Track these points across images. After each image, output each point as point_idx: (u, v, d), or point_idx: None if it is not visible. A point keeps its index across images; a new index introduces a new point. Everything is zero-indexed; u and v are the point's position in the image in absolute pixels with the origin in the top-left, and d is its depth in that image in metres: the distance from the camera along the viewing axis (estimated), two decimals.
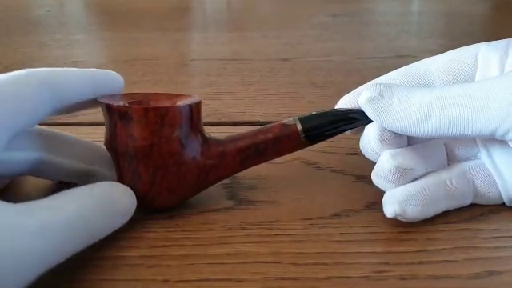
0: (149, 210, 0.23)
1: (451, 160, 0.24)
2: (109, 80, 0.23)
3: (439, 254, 0.21)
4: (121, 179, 0.22)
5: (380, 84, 0.22)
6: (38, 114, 0.20)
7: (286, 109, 0.35)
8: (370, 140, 0.22)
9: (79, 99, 0.22)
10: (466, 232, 0.22)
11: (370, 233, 0.22)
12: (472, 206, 0.23)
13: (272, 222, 0.23)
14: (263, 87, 0.40)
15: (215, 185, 0.23)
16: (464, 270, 0.20)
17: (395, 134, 0.22)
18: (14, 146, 0.21)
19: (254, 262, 0.20)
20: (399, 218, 0.22)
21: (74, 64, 0.43)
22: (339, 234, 0.22)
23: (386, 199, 0.22)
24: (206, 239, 0.22)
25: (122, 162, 0.22)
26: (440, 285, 0.19)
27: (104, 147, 0.22)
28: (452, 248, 0.21)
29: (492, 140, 0.22)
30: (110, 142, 0.22)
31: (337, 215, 0.23)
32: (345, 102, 0.24)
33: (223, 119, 0.34)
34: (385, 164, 0.22)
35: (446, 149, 0.24)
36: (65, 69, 0.22)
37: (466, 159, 0.24)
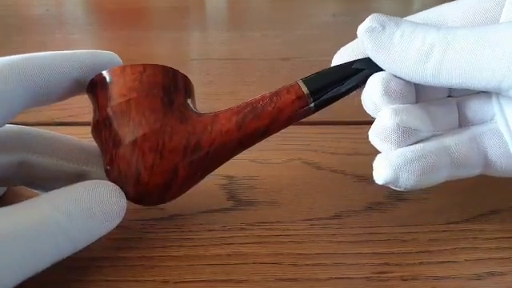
0: (136, 190, 0.20)
1: (462, 123, 0.21)
2: (102, 61, 0.21)
3: (440, 254, 0.21)
4: (105, 156, 0.20)
5: (384, 15, 0.19)
6: (10, 110, 0.18)
7: None
8: (372, 92, 0.19)
9: (61, 86, 0.20)
10: (467, 232, 0.22)
11: (371, 233, 0.22)
12: (473, 206, 0.23)
13: (272, 222, 0.23)
14: (263, 87, 0.40)
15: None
16: (465, 271, 0.20)
17: (402, 86, 0.19)
18: None
19: (253, 263, 0.20)
20: (390, 186, 0.19)
21: None
22: (340, 235, 0.22)
23: (377, 163, 0.19)
24: (205, 240, 0.22)
25: (104, 133, 0.20)
26: (441, 285, 0.19)
27: (95, 145, 0.21)
28: (453, 249, 0.21)
29: (510, 100, 0.19)
30: (94, 125, 0.20)
31: (337, 216, 0.23)
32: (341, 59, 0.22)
33: None
34: (385, 120, 0.19)
35: (458, 110, 0.21)
36: (41, 54, 0.19)
37: (480, 123, 0.21)
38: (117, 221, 0.19)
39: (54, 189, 0.21)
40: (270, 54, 0.45)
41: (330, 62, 0.21)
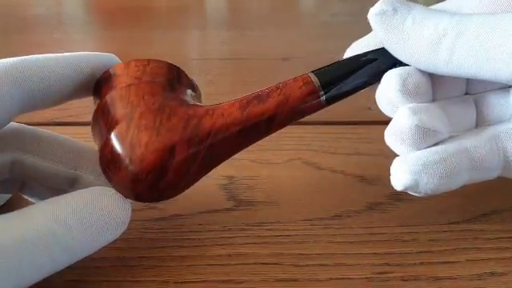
0: (129, 173, 0.18)
1: (480, 122, 0.20)
2: (100, 63, 0.20)
3: (441, 254, 0.21)
4: (99, 144, 0.19)
5: None
6: (6, 114, 0.18)
7: None
8: (388, 89, 0.19)
9: (58, 89, 0.19)
10: (468, 233, 0.22)
11: (371, 233, 0.22)
12: (474, 206, 0.23)
13: (272, 222, 0.23)
14: (263, 87, 0.40)
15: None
16: (466, 271, 0.20)
17: (419, 83, 0.18)
18: None
19: (254, 264, 0.20)
20: (410, 192, 0.18)
21: None
22: (340, 235, 0.22)
23: (395, 167, 0.18)
24: (205, 240, 0.22)
25: (101, 121, 0.19)
26: (442, 286, 0.19)
27: (93, 148, 0.20)
28: (454, 249, 0.21)
29: None
30: (93, 117, 0.19)
31: (338, 216, 0.23)
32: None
33: None
34: (403, 121, 0.18)
35: (476, 108, 0.20)
36: (39, 56, 0.19)
37: (498, 122, 0.20)
38: (119, 231, 0.18)
39: (46, 191, 0.21)
40: (270, 54, 0.45)
41: (331, 61, 0.21)
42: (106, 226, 0.17)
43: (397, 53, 0.19)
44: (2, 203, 0.23)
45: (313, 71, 0.20)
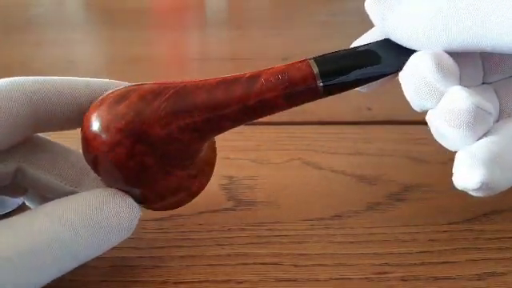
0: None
1: (503, 113, 0.19)
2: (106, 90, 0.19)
3: (441, 254, 0.21)
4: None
5: None
6: (15, 132, 0.17)
7: None
8: (424, 70, 0.17)
9: (73, 117, 0.19)
10: (467, 233, 0.22)
11: (371, 234, 0.22)
12: (474, 206, 0.23)
13: (272, 222, 0.23)
14: None
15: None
16: (466, 271, 0.20)
17: (452, 62, 0.17)
18: None
19: (253, 264, 0.20)
20: (482, 192, 0.16)
21: (73, 63, 0.43)
22: (340, 235, 0.22)
23: (462, 161, 0.16)
24: (205, 240, 0.22)
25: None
26: (442, 286, 0.19)
27: None
28: (454, 249, 0.21)
29: None
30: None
31: (337, 216, 0.23)
32: None
33: None
34: (459, 101, 0.16)
35: (498, 96, 0.19)
36: (56, 78, 0.19)
37: None
38: (127, 234, 0.18)
39: (46, 200, 0.20)
40: (269, 54, 0.45)
41: None
42: (113, 230, 0.17)
43: (397, 37, 0.18)
44: (8, 210, 0.23)
45: (314, 58, 0.19)
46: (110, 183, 0.19)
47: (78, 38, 0.50)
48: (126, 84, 0.19)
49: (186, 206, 0.23)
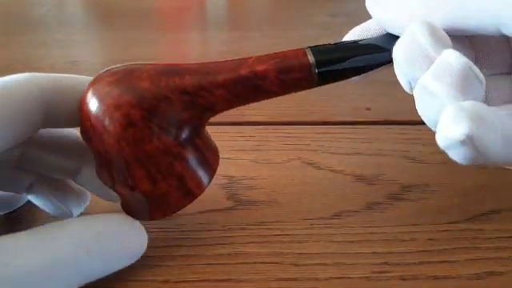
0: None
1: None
2: None
3: (440, 254, 0.21)
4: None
5: None
6: (22, 129, 0.18)
7: (286, 109, 0.35)
8: (418, 35, 0.16)
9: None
10: (467, 232, 0.22)
11: (371, 233, 0.22)
12: (473, 206, 0.23)
13: (272, 222, 0.23)
14: None
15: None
16: (465, 271, 0.20)
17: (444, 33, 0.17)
18: None
19: (254, 263, 0.20)
20: (465, 150, 0.14)
21: (74, 64, 0.43)
22: (340, 235, 0.22)
23: (449, 112, 0.15)
24: (205, 239, 0.22)
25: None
26: (441, 285, 0.19)
27: None
28: (453, 248, 0.21)
29: None
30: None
31: (337, 215, 0.23)
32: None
33: (223, 119, 0.34)
34: (451, 61, 0.15)
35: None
36: (62, 75, 0.19)
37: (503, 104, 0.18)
38: (134, 259, 0.19)
39: (51, 193, 0.21)
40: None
41: None
42: (123, 256, 0.18)
43: (393, 28, 0.18)
44: (12, 209, 0.23)
45: (310, 47, 0.19)
46: (98, 148, 0.18)
47: (79, 39, 0.50)
48: None
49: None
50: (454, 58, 0.15)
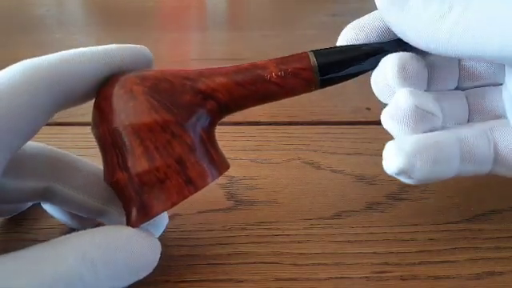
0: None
1: (472, 117, 0.20)
2: (130, 56, 0.19)
3: (440, 254, 0.21)
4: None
5: None
6: (38, 122, 0.17)
7: (286, 109, 0.35)
8: (386, 73, 0.18)
9: (90, 87, 0.18)
10: (466, 232, 0.22)
11: (371, 233, 0.22)
12: (472, 206, 0.23)
13: (272, 222, 0.23)
14: None
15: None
16: (465, 271, 0.20)
17: (418, 69, 0.19)
18: (20, 174, 0.19)
19: (254, 263, 0.20)
20: (402, 178, 0.18)
21: None
22: (339, 235, 0.22)
23: (388, 150, 0.18)
24: (205, 239, 0.22)
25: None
26: (440, 285, 0.19)
27: None
28: (453, 248, 0.21)
29: None
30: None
31: (337, 215, 0.23)
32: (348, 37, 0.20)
33: (223, 119, 0.34)
34: (402, 102, 0.18)
35: (468, 103, 0.20)
36: (68, 53, 0.18)
37: (490, 118, 0.20)
38: (144, 274, 0.18)
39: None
40: (269, 54, 0.45)
41: None
42: (132, 271, 0.17)
43: (399, 29, 0.18)
44: (16, 213, 0.23)
45: (313, 51, 0.20)
46: (104, 133, 0.18)
47: (79, 39, 0.50)
48: (142, 51, 0.20)
49: (187, 205, 0.24)
50: (403, 98, 0.18)
